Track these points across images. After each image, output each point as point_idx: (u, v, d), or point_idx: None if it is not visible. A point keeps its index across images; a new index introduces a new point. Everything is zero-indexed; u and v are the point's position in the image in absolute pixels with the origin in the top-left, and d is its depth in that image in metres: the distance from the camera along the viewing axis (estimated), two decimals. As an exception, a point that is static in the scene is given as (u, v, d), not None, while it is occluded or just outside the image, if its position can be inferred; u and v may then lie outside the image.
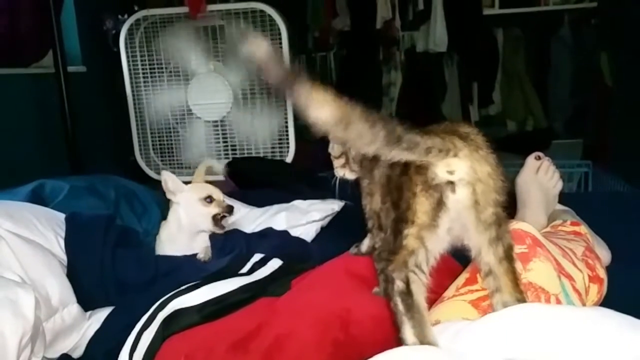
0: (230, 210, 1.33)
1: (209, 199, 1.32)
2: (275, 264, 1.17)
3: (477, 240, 0.75)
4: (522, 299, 0.74)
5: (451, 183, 0.71)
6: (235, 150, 2.65)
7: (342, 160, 1.01)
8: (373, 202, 0.92)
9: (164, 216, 1.42)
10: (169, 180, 1.33)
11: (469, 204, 0.72)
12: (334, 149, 1.03)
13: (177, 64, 2.58)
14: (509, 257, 0.75)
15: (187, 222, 1.33)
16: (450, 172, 0.71)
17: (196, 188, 1.36)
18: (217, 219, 1.32)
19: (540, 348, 0.60)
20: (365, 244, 1.03)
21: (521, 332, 0.64)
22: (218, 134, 2.64)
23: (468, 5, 3.66)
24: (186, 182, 1.38)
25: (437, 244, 0.74)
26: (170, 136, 2.69)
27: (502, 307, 0.74)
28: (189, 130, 2.65)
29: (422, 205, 0.72)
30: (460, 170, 0.71)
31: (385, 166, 0.83)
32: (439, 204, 0.71)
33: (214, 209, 1.31)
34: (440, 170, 0.71)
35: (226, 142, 2.65)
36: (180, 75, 2.58)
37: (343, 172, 1.02)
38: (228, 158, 2.58)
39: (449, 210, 0.72)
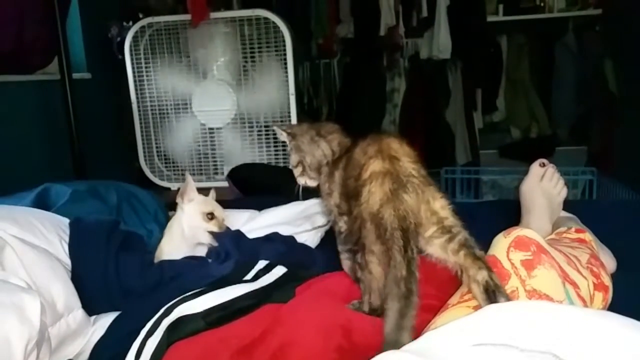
0: None
1: (210, 216, 1.33)
2: (279, 271, 1.17)
3: (432, 250, 0.85)
4: (483, 266, 0.80)
5: None
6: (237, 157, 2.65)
7: (299, 169, 1.09)
8: (332, 199, 1.02)
9: (167, 221, 1.42)
10: (189, 184, 1.36)
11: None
12: (291, 159, 1.10)
13: (181, 70, 2.60)
14: (465, 245, 0.83)
15: (188, 233, 1.35)
16: None
17: (203, 202, 1.38)
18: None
19: (538, 340, 0.60)
20: (366, 303, 0.96)
21: (519, 324, 0.64)
22: (222, 141, 2.65)
23: (472, 12, 3.67)
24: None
25: None
26: (174, 142, 2.69)
27: (474, 283, 0.80)
28: (192, 136, 2.66)
29: None
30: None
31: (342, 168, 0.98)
32: None
33: (212, 226, 1.33)
34: None
35: (228, 148, 2.65)
36: (184, 82, 2.59)
37: (304, 180, 1.10)
38: (231, 164, 2.58)
39: None
